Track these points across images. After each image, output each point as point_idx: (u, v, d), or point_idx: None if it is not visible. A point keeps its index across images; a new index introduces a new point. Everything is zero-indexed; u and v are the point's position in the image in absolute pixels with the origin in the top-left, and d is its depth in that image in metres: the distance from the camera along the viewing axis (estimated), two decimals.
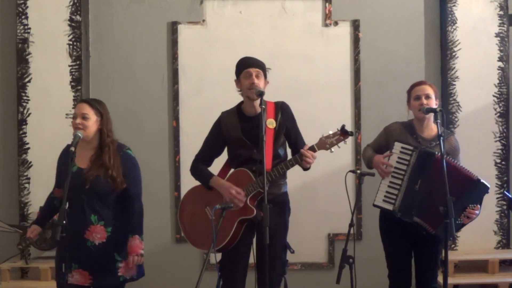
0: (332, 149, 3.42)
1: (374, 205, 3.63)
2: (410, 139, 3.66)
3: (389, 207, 3.57)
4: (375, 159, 3.66)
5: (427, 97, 3.64)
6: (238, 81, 3.56)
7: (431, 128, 3.70)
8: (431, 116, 3.63)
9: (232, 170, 3.65)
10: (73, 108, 4.55)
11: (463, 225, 3.56)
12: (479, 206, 3.52)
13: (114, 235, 3.36)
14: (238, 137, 3.52)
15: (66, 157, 3.39)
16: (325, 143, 3.41)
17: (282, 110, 3.57)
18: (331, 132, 3.43)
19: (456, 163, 3.53)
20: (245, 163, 3.50)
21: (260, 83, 3.46)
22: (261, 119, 3.30)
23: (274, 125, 3.51)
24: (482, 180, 3.49)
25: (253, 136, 3.41)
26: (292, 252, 3.57)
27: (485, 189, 3.51)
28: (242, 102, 3.61)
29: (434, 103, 3.64)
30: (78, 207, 3.31)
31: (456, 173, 3.44)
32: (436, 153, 3.46)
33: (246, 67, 3.50)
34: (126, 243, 3.38)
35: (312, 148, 3.41)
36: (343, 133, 3.39)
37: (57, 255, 3.44)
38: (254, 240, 3.55)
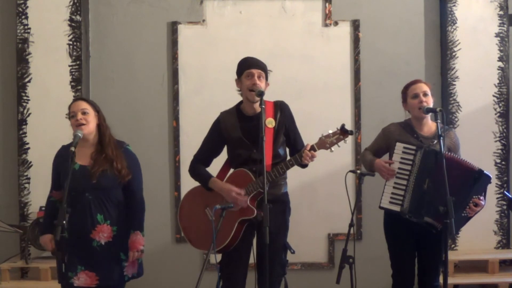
0: (332, 149, 3.41)
1: (381, 207, 3.59)
2: (410, 138, 3.65)
3: (396, 208, 3.53)
4: (377, 162, 3.62)
5: (425, 94, 3.66)
6: (239, 81, 3.54)
7: (430, 125, 3.71)
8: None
9: (231, 170, 3.65)
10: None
11: (468, 218, 3.51)
12: (483, 197, 3.51)
13: (119, 234, 3.37)
14: (238, 137, 3.51)
15: (62, 158, 3.39)
16: (325, 143, 3.40)
17: (281, 109, 3.55)
18: (330, 132, 3.41)
19: (458, 157, 3.55)
20: (245, 163, 3.50)
21: (261, 84, 3.45)
22: (260, 119, 3.30)
23: (274, 124, 3.49)
24: (484, 171, 3.49)
25: (253, 136, 3.40)
26: (293, 252, 3.56)
27: (487, 179, 3.50)
28: (241, 102, 3.60)
29: (431, 100, 3.66)
30: (83, 207, 3.29)
31: (458, 166, 3.46)
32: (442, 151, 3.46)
33: (248, 67, 3.48)
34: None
35: (312, 148, 3.39)
36: (343, 132, 3.38)
37: (59, 258, 3.37)
38: (254, 240, 3.56)
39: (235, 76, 3.61)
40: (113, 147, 3.39)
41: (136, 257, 3.43)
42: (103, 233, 3.32)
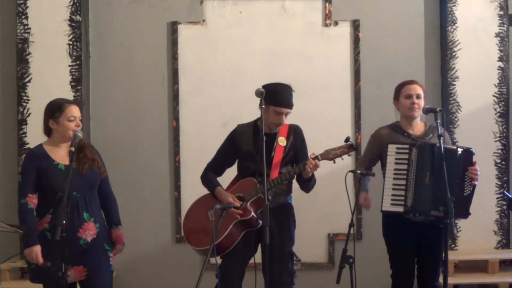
0: (336, 160, 3.54)
1: (383, 211, 3.59)
2: (402, 138, 3.67)
3: (399, 209, 3.52)
4: (361, 195, 3.64)
5: (418, 96, 3.68)
6: (266, 108, 3.47)
7: (419, 125, 3.75)
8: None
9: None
10: None
11: (472, 190, 3.52)
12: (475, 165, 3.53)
13: (101, 229, 3.44)
14: (249, 150, 3.60)
15: (38, 159, 3.39)
16: (329, 154, 3.53)
17: (295, 133, 3.66)
18: (336, 147, 3.54)
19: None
20: (252, 175, 3.57)
21: (285, 120, 3.56)
22: (261, 120, 3.37)
23: (285, 143, 3.60)
24: (461, 147, 3.54)
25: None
26: (299, 260, 3.62)
27: (469, 154, 3.53)
28: (259, 118, 3.61)
29: (423, 103, 3.68)
30: (71, 206, 3.29)
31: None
32: (436, 144, 3.46)
33: (280, 105, 3.52)
34: (110, 233, 3.51)
35: (316, 157, 3.49)
36: (348, 147, 3.51)
37: (46, 257, 3.32)
38: (259, 248, 3.60)
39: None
40: (88, 148, 3.49)
41: (121, 250, 3.56)
42: (89, 231, 3.36)
